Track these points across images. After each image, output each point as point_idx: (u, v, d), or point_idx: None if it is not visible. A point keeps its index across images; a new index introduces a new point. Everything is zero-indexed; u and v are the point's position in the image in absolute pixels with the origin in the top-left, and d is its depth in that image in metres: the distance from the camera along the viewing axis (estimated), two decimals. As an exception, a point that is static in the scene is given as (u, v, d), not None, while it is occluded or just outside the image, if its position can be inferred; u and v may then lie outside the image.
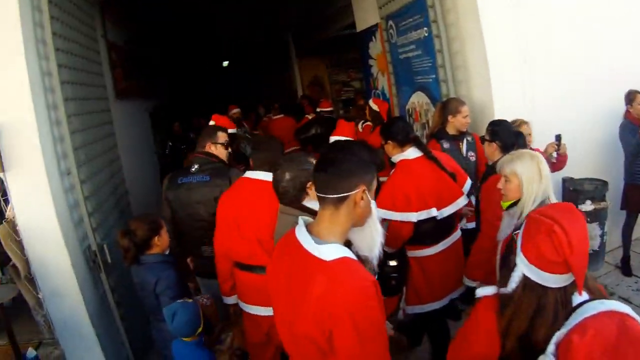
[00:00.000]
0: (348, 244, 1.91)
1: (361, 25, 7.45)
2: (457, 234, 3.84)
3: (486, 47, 4.46)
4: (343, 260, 1.75)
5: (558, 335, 1.52)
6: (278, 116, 9.07)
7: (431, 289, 3.69)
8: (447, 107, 4.56)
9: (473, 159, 4.59)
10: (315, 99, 11.99)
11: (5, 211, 3.90)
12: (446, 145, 4.53)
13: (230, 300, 3.61)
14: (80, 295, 3.89)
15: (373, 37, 6.96)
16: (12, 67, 3.67)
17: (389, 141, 3.60)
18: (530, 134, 4.35)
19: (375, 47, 6.98)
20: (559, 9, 4.69)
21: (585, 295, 1.69)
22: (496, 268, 2.83)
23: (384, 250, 2.42)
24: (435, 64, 5.00)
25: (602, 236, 4.67)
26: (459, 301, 3.99)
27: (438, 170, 3.62)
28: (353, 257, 1.81)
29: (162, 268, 3.32)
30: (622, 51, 5.00)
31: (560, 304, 1.72)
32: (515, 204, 2.78)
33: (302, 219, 1.96)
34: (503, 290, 1.83)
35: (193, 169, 3.99)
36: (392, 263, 3.48)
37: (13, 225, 3.79)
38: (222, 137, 4.15)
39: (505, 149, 3.53)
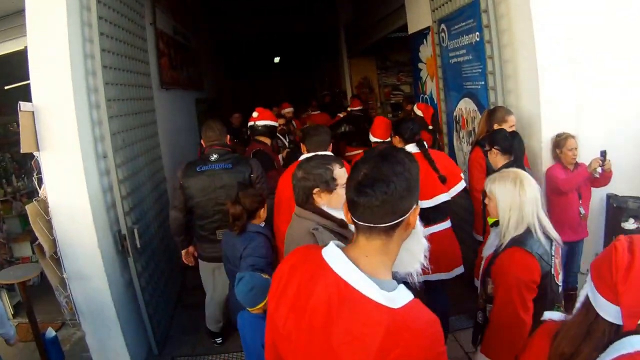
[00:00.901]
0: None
1: (413, 27, 7.30)
2: (443, 225, 4.19)
3: (537, 57, 4.28)
4: (414, 305, 1.42)
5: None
6: (315, 112, 10.10)
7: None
8: (493, 115, 4.42)
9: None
10: (364, 101, 12.01)
11: (40, 190, 3.92)
12: None
13: None
14: (106, 278, 3.90)
15: (424, 41, 6.79)
16: (54, 45, 3.70)
17: (397, 136, 4.31)
18: (576, 148, 4.26)
19: (426, 51, 6.81)
20: (614, 22, 4.45)
21: None
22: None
23: None
24: (485, 71, 4.83)
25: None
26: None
27: (429, 168, 4.01)
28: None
29: (255, 237, 3.54)
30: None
31: (607, 340, 1.43)
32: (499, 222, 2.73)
33: (334, 244, 1.58)
34: (568, 317, 1.61)
35: (212, 158, 4.27)
36: None
37: (45, 205, 3.80)
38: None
39: (505, 152, 3.87)
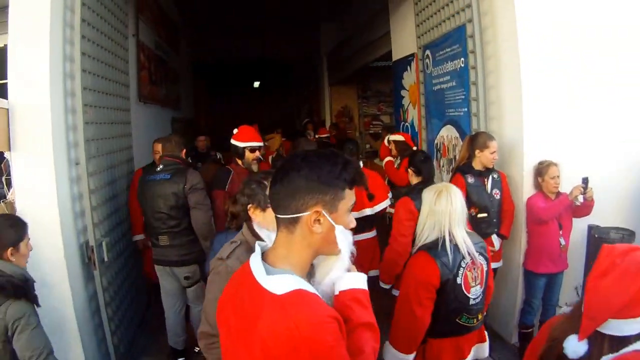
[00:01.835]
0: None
1: (398, 54, 7.33)
2: (368, 235, 4.90)
3: (522, 84, 4.30)
4: (297, 293, 1.43)
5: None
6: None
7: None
8: (475, 140, 4.40)
9: (498, 196, 4.42)
10: (342, 130, 12.04)
11: (8, 192, 3.76)
12: (471, 180, 4.37)
13: None
14: (69, 289, 3.76)
15: (408, 67, 6.81)
16: (34, 44, 3.60)
17: None
18: (558, 176, 4.24)
19: (409, 78, 6.82)
20: (601, 53, 4.47)
21: None
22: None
23: None
24: (468, 97, 4.84)
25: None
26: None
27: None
28: (310, 289, 1.48)
29: None
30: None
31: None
32: None
33: (259, 244, 1.65)
34: None
35: (158, 169, 4.46)
36: None
37: (12, 208, 3.64)
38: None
39: (419, 174, 4.03)
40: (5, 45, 3.67)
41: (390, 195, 5.02)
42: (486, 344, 3.03)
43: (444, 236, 2.75)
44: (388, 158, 6.31)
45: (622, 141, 4.56)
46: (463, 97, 4.98)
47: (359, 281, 1.62)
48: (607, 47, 4.47)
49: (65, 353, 3.80)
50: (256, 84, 19.70)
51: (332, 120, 13.55)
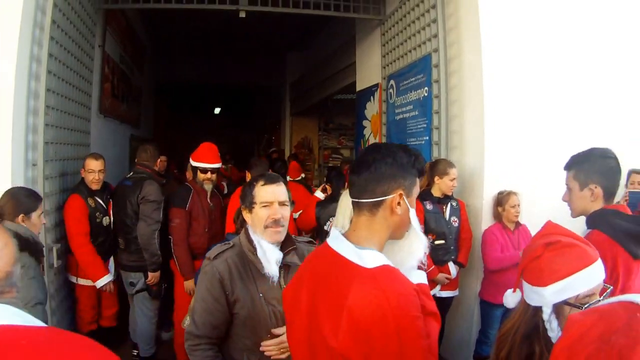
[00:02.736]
0: None
1: (362, 84, 7.44)
2: None
3: (485, 114, 4.39)
4: (386, 267, 1.57)
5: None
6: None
7: None
8: (435, 167, 4.45)
9: (456, 224, 4.47)
10: (301, 161, 12.04)
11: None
12: (429, 207, 4.41)
13: None
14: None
15: (372, 97, 6.92)
16: (2, 43, 3.55)
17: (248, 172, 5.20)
18: (518, 205, 4.32)
19: (372, 108, 6.93)
20: (568, 88, 4.62)
21: None
22: None
23: None
24: (430, 126, 4.94)
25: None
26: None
27: None
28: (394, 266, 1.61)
29: None
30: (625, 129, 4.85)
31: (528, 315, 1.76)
32: None
33: (336, 229, 1.78)
34: None
35: (128, 175, 4.76)
36: None
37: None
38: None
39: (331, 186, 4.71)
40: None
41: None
42: None
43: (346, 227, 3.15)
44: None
45: None
46: (425, 125, 5.08)
47: (424, 277, 1.76)
48: (572, 80, 4.62)
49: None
50: (217, 110, 19.66)
51: (292, 151, 13.56)
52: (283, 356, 2.33)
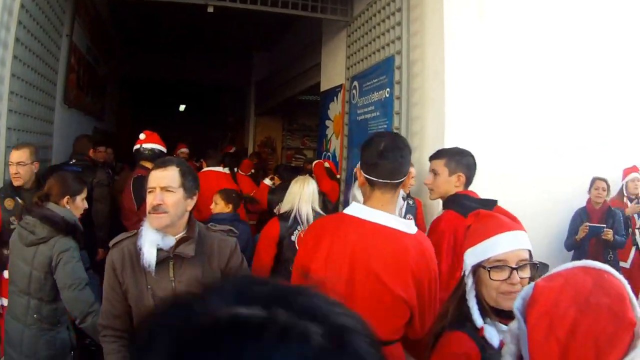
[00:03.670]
0: None
1: (326, 85, 7.52)
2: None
3: (445, 116, 4.48)
4: (420, 232, 2.31)
5: (526, 290, 1.39)
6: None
7: None
8: None
9: (410, 221, 4.55)
10: (264, 160, 12.10)
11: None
12: None
13: None
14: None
15: (335, 98, 7.02)
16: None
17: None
18: None
19: (335, 108, 7.02)
20: (532, 96, 4.73)
21: None
22: None
23: None
24: (391, 126, 4.99)
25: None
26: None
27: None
28: None
29: None
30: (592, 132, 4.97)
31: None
32: None
33: (356, 203, 2.34)
34: None
35: (71, 162, 5.05)
36: None
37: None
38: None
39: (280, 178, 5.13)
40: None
41: None
42: None
43: (292, 208, 3.88)
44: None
45: (546, 177, 4.74)
46: (385, 126, 5.14)
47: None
48: (535, 83, 4.74)
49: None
50: (182, 107, 19.51)
51: (255, 149, 13.60)
52: None
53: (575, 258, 4.90)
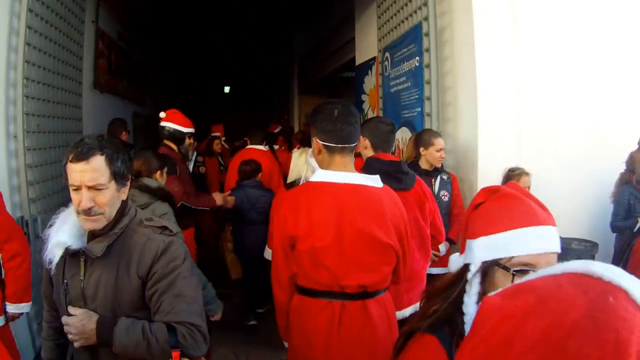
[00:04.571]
0: None
1: (360, 59, 7.34)
2: None
3: (477, 86, 4.24)
4: (385, 186, 2.49)
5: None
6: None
7: None
8: (420, 138, 4.29)
9: (445, 198, 4.28)
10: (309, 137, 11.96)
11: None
12: None
13: None
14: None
15: (369, 71, 6.83)
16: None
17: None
18: (528, 187, 4.00)
19: (370, 82, 6.83)
20: (562, 56, 4.46)
21: None
22: None
23: None
24: (422, 97, 4.80)
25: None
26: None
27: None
28: None
29: None
30: (621, 106, 4.66)
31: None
32: None
33: (322, 170, 2.45)
34: None
35: None
36: None
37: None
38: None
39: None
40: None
41: None
42: None
43: (299, 177, 4.22)
44: None
45: (586, 147, 4.46)
46: (417, 97, 4.95)
47: None
48: (572, 45, 4.47)
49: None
50: (227, 89, 19.60)
51: (301, 128, 13.51)
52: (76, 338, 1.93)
53: (618, 242, 4.57)
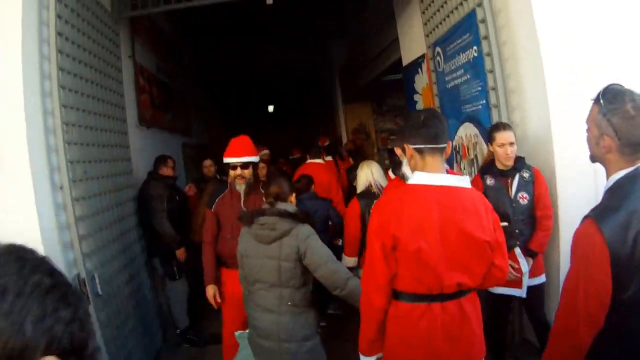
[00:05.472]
0: None
1: (407, 58, 6.97)
2: None
3: (544, 66, 3.81)
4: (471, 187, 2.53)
5: None
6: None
7: None
8: (488, 134, 3.92)
9: (524, 201, 3.77)
10: (360, 147, 11.66)
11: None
12: (490, 182, 3.84)
13: None
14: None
15: (419, 70, 6.45)
16: (5, 60, 3.30)
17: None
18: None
19: (421, 80, 6.46)
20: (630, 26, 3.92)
21: None
22: None
23: None
24: (486, 87, 4.41)
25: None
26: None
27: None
28: None
29: None
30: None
31: None
32: None
33: (420, 173, 2.43)
34: None
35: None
36: None
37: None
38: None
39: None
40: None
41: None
42: None
43: (367, 187, 4.61)
44: None
45: None
46: (480, 88, 4.56)
47: None
48: None
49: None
50: (270, 108, 19.50)
51: (349, 138, 13.20)
52: None
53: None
